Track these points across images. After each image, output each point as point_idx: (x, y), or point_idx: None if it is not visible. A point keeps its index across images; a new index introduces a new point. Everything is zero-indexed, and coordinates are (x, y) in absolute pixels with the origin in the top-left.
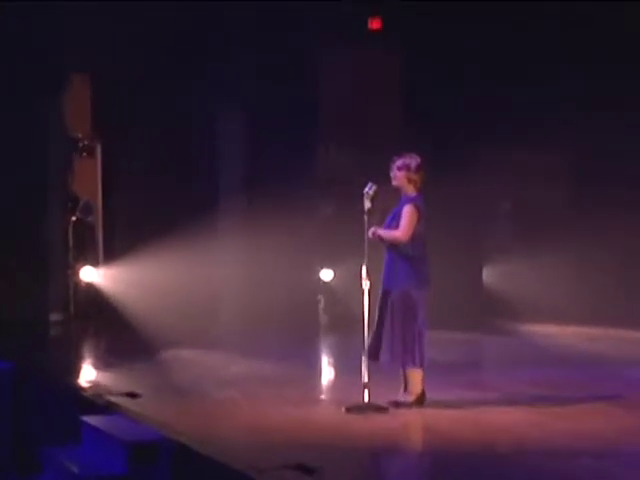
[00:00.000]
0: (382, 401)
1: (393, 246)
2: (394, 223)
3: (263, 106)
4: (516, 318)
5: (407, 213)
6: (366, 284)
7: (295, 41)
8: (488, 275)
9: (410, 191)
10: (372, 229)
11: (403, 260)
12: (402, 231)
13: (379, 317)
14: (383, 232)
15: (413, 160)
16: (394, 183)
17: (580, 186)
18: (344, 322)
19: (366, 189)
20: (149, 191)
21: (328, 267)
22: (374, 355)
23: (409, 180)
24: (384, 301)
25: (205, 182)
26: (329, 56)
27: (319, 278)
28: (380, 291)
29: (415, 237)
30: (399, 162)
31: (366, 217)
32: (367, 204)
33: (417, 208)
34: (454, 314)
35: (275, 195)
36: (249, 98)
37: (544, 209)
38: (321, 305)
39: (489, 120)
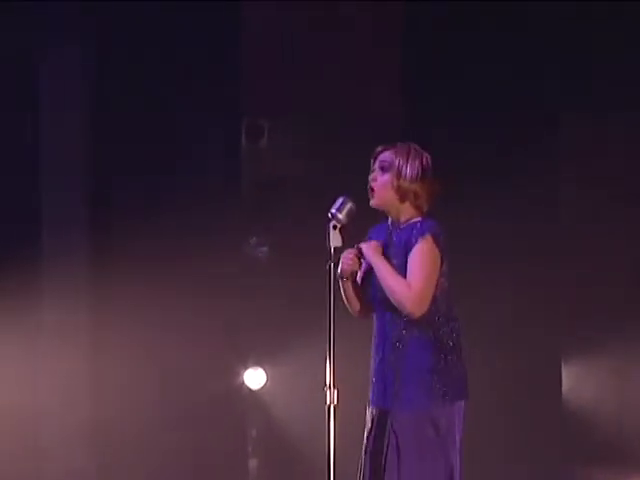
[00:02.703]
0: None
1: (396, 317)
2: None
3: (127, 51)
4: (620, 464)
5: (421, 256)
6: (332, 397)
7: None
8: (570, 385)
9: (407, 214)
10: (353, 250)
11: (417, 346)
12: (416, 293)
13: (371, 469)
14: (382, 265)
15: (414, 156)
16: (373, 202)
17: None
18: (290, 473)
19: (333, 209)
20: None
21: (257, 364)
22: None
23: (401, 192)
24: (380, 436)
25: (22, 202)
26: None
27: (242, 384)
28: (370, 413)
29: (437, 300)
30: (385, 156)
31: (332, 263)
32: (334, 238)
33: (437, 244)
34: (512, 453)
35: (153, 224)
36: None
37: None
38: (250, 437)
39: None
